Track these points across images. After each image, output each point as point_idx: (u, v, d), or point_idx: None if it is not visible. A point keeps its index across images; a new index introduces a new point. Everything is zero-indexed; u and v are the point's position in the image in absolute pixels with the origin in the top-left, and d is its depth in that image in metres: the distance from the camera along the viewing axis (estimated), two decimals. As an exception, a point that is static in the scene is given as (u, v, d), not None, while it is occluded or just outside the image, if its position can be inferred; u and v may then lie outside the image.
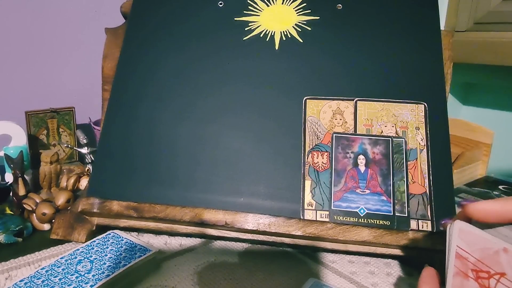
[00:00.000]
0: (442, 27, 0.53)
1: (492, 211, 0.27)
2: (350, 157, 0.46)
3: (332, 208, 0.45)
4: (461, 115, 0.97)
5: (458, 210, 0.30)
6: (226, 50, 0.52)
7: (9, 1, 0.75)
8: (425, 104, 0.48)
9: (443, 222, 0.31)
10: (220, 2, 0.55)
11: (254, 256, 0.47)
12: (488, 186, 0.67)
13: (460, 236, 0.28)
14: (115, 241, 0.44)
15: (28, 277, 0.37)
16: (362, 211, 0.44)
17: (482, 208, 0.27)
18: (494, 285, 0.26)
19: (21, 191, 0.54)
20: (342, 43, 0.51)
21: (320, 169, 0.46)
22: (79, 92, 0.86)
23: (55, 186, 0.59)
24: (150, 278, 0.41)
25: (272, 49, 0.52)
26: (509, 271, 0.25)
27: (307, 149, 0.47)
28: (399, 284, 0.42)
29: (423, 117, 0.48)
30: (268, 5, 0.54)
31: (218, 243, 0.49)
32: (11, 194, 0.56)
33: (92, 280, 0.37)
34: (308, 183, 0.46)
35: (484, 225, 0.28)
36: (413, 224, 0.43)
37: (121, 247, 0.43)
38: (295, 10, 0.53)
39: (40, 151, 0.67)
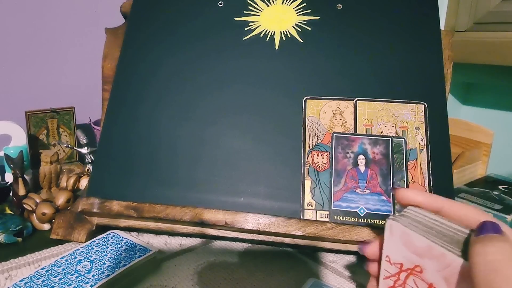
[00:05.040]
0: (442, 27, 0.53)
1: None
2: (350, 157, 0.46)
3: (332, 208, 0.45)
4: (461, 115, 0.97)
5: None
6: (226, 50, 0.52)
7: (9, 1, 0.75)
8: (425, 104, 0.48)
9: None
10: (220, 2, 0.55)
11: (254, 256, 0.47)
12: (488, 186, 0.66)
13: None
14: (115, 241, 0.44)
15: (28, 277, 0.37)
16: (362, 211, 0.44)
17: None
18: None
19: (21, 191, 0.54)
20: (342, 43, 0.51)
21: (320, 169, 0.46)
22: (79, 92, 0.86)
23: (55, 186, 0.59)
24: (150, 278, 0.41)
25: (272, 49, 0.52)
26: None
27: (307, 149, 0.47)
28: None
29: (423, 117, 0.48)
30: (268, 5, 0.54)
31: (218, 243, 0.49)
32: (11, 194, 0.56)
33: (92, 280, 0.37)
34: (308, 183, 0.46)
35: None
36: (413, 224, 0.43)
37: (121, 247, 0.43)
38: (295, 10, 0.53)
39: (40, 151, 0.67)
